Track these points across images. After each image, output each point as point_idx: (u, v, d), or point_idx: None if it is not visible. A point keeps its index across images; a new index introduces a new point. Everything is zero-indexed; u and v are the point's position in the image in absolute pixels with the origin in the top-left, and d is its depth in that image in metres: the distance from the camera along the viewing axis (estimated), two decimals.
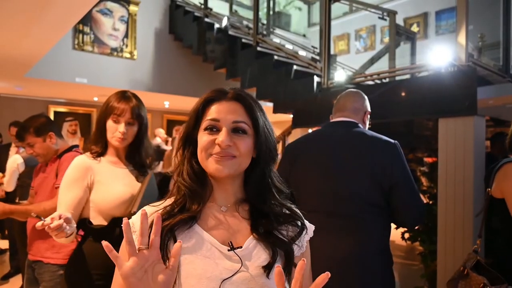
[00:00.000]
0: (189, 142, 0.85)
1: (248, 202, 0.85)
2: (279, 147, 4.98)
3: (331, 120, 1.79)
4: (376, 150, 1.60)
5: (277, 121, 6.29)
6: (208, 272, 0.75)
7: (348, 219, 1.58)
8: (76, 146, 2.18)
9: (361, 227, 1.57)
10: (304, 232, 0.86)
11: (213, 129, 0.81)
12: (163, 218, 0.76)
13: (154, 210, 0.81)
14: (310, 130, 3.42)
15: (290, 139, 4.37)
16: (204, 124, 0.82)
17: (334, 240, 1.57)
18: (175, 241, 0.75)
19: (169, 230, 0.76)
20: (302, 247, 0.86)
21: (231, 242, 0.79)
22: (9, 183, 3.61)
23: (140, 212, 0.77)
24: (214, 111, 0.82)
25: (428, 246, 3.19)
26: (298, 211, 0.89)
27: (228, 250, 0.78)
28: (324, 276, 0.66)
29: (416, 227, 3.75)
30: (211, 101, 0.84)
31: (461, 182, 2.36)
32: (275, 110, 3.99)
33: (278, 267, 0.68)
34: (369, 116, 1.80)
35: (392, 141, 1.62)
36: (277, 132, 4.95)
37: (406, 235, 3.86)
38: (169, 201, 0.83)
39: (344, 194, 1.59)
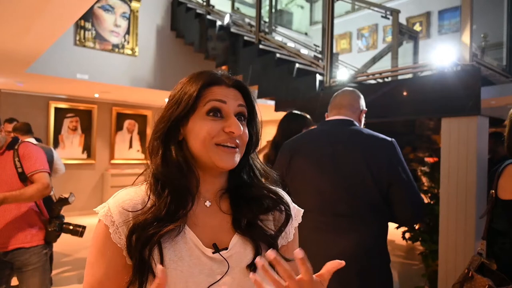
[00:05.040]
0: (175, 130, 0.76)
1: (228, 192, 0.80)
2: None
3: (327, 119, 1.77)
4: (373, 148, 1.58)
5: (279, 119, 6.27)
6: (195, 277, 0.71)
7: (345, 218, 1.56)
8: (18, 138, 2.24)
9: (358, 226, 1.56)
10: (290, 220, 0.81)
11: (217, 113, 0.75)
12: (148, 221, 0.70)
13: (130, 207, 0.72)
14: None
15: None
16: (207, 106, 0.75)
17: (331, 239, 1.56)
18: (160, 250, 0.70)
19: (156, 241, 0.70)
20: (289, 235, 0.83)
21: (215, 244, 0.74)
22: None
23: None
24: (217, 93, 0.76)
25: (429, 245, 3.19)
26: (285, 195, 0.85)
27: (213, 253, 0.73)
28: (337, 264, 0.63)
29: (417, 227, 3.75)
30: (210, 85, 0.77)
31: (464, 182, 2.35)
32: (277, 108, 3.97)
33: (260, 262, 0.59)
34: (364, 114, 1.78)
35: (389, 138, 1.60)
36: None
37: (407, 235, 3.86)
38: (151, 199, 0.74)
39: (341, 193, 1.57)
